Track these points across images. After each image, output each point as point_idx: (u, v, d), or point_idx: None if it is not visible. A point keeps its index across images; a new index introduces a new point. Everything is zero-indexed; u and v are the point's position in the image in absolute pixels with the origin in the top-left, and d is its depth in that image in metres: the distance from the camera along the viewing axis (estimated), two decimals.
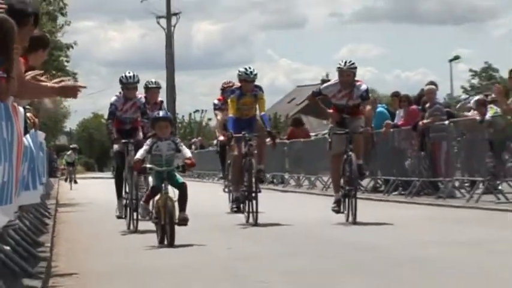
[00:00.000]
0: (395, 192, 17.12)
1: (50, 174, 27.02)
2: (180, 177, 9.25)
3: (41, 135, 13.13)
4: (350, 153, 10.78)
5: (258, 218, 11.30)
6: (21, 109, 6.18)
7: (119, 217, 11.10)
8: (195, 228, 9.92)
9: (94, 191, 26.25)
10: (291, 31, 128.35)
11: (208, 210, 14.03)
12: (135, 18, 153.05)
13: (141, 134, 11.32)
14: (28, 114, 8.72)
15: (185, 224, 8.92)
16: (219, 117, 13.10)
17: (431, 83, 17.89)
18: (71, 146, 40.15)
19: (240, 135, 11.33)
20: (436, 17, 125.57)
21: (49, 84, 6.34)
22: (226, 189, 14.55)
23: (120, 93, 11.21)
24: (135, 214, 10.79)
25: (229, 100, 11.61)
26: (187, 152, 9.41)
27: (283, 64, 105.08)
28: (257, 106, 11.65)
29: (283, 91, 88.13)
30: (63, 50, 25.60)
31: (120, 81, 11.10)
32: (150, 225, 9.71)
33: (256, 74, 11.36)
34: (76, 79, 23.22)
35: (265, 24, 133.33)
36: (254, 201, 11.36)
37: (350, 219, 10.87)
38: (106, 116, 11.85)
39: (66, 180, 34.65)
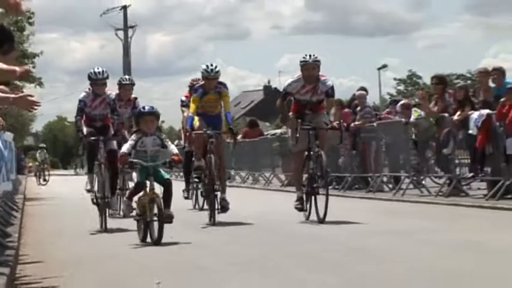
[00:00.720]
0: (330, 187, 18.06)
1: (18, 171, 27.96)
2: (165, 173, 8.81)
3: (9, 136, 14.07)
4: (317, 149, 10.13)
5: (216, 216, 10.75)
6: None
7: (88, 191, 10.67)
8: None
9: (59, 187, 27.60)
10: (236, 42, 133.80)
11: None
12: (96, 31, 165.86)
13: (112, 131, 10.80)
14: None
15: (170, 222, 8.40)
16: (185, 113, 12.37)
17: (362, 88, 19.06)
18: (39, 146, 40.95)
19: (201, 131, 10.84)
20: (366, 30, 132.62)
21: (9, 95, 6.41)
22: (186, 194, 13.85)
23: (89, 89, 10.47)
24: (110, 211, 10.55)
25: (191, 98, 11.19)
26: (174, 148, 8.92)
27: (230, 72, 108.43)
28: (222, 103, 11.15)
29: (230, 96, 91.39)
30: (30, 58, 26.83)
31: (89, 77, 10.35)
32: (118, 223, 10.02)
33: (218, 72, 10.83)
34: (42, 84, 25.20)
35: (213, 36, 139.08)
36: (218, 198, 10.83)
37: (316, 217, 10.20)
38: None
39: (35, 175, 35.56)
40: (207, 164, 10.84)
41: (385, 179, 17.30)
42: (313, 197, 10.32)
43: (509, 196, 11.93)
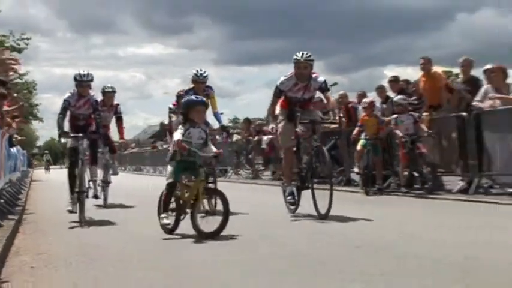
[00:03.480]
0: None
1: (28, 166, 42.75)
2: (202, 170, 7.85)
3: (20, 148, 21.19)
4: (316, 144, 9.42)
5: None
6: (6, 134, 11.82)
7: (70, 211, 10.10)
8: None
9: (54, 174, 39.86)
10: None
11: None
12: None
13: (93, 128, 10.99)
14: (14, 135, 14.72)
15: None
16: (173, 118, 12.11)
17: None
18: (45, 152, 67.32)
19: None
20: None
21: None
22: None
23: (73, 90, 10.65)
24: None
25: (182, 101, 10.55)
26: (213, 148, 8.12)
27: None
28: (209, 104, 10.61)
29: None
30: None
31: (75, 79, 10.55)
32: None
33: (206, 76, 11.16)
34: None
35: None
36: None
37: (318, 211, 9.00)
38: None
39: (45, 168, 52.44)
40: None
41: None
42: (303, 192, 9.57)
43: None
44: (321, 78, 9.68)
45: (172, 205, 7.95)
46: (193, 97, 8.47)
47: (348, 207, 9.90)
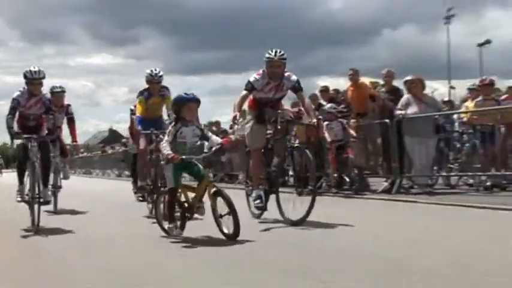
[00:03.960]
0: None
1: None
2: (203, 169, 6.94)
3: None
4: (290, 144, 8.58)
5: None
6: None
7: (19, 201, 9.13)
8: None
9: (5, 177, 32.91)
10: None
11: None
12: None
13: (45, 131, 9.44)
14: None
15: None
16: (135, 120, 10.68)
17: None
18: None
19: (149, 131, 9.95)
20: None
21: None
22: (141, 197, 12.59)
23: (24, 88, 9.09)
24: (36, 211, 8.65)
25: (137, 101, 10.37)
26: (217, 138, 7.25)
27: None
28: (165, 106, 10.22)
29: None
30: None
31: (25, 76, 8.99)
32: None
33: (161, 76, 10.24)
34: None
35: None
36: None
37: (285, 216, 8.08)
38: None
39: None
40: (153, 162, 10.02)
41: None
42: (273, 196, 8.55)
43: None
44: (294, 77, 8.57)
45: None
46: (183, 94, 7.17)
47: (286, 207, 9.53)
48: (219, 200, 6.73)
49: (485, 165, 11.64)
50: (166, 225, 7.16)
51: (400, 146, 11.86)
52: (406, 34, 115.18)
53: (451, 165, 13.03)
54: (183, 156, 6.76)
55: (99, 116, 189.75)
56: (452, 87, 50.41)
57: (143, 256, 6.11)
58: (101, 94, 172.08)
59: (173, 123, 7.12)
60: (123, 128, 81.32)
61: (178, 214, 7.06)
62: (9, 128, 8.88)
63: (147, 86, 10.28)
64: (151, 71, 10.22)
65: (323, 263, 5.19)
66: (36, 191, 8.68)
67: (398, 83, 13.38)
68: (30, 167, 8.79)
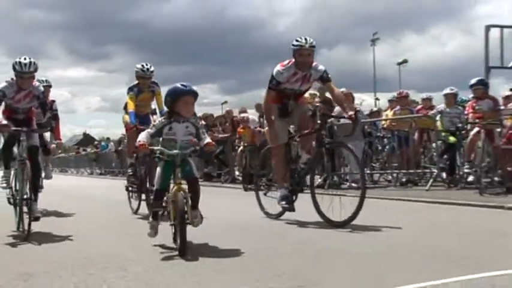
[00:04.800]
0: None
1: None
2: (194, 169, 5.33)
3: None
4: (329, 140, 7.35)
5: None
6: None
7: (5, 188, 7.03)
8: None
9: None
10: None
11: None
12: None
13: (35, 123, 7.41)
14: None
15: (195, 225, 5.15)
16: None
17: None
18: None
19: (143, 127, 7.39)
20: None
21: None
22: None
23: (12, 79, 6.92)
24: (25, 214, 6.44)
25: (128, 97, 8.53)
26: (208, 140, 5.42)
27: None
28: (154, 102, 8.76)
29: None
30: None
31: (14, 68, 6.78)
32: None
33: (152, 71, 8.51)
34: None
35: None
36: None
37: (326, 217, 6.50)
38: None
39: None
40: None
41: None
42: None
43: None
44: (321, 67, 6.91)
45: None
46: (179, 85, 5.34)
47: (234, 199, 9.70)
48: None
49: (401, 164, 12.05)
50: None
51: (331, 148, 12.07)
52: (339, 53, 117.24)
53: (374, 164, 13.39)
54: (155, 147, 5.21)
55: (75, 122, 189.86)
56: (377, 99, 51.22)
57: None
58: (77, 102, 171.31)
59: (164, 116, 5.42)
60: (95, 133, 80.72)
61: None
62: None
63: (136, 81, 8.57)
64: (143, 66, 8.53)
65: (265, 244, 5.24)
66: (27, 193, 6.37)
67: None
68: (19, 165, 6.52)
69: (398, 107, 12.63)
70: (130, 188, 8.95)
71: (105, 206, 10.40)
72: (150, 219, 5.34)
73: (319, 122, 6.86)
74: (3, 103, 6.92)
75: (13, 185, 6.86)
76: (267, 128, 7.60)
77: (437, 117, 11.24)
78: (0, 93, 6.78)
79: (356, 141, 11.73)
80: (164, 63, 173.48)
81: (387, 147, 12.75)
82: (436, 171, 10.85)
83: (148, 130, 5.31)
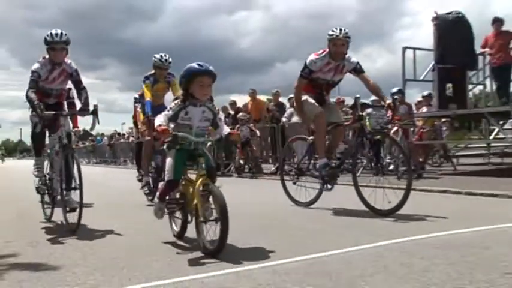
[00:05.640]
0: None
1: None
2: (211, 159, 3.99)
3: None
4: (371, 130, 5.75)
5: None
6: None
7: (36, 176, 5.75)
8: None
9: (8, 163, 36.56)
10: None
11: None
12: None
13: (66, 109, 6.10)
14: None
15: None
16: (138, 108, 7.84)
17: None
18: (1, 148, 57.40)
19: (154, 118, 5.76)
20: None
21: None
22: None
23: (44, 58, 5.52)
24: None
25: (144, 86, 7.21)
26: (227, 128, 4.18)
27: None
28: (169, 93, 7.32)
29: None
30: None
31: (45, 41, 5.45)
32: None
33: (170, 62, 7.14)
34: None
35: None
36: None
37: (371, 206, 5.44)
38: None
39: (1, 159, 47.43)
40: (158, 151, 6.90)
41: None
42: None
43: None
44: (354, 59, 5.93)
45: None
46: (194, 64, 4.00)
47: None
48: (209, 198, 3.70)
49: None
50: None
51: (283, 142, 12.34)
52: (292, 66, 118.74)
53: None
54: (179, 133, 3.86)
55: None
56: None
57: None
58: (77, 104, 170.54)
59: (179, 99, 4.08)
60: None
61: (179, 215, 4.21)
62: (33, 101, 5.20)
63: (153, 71, 7.23)
64: (161, 56, 7.15)
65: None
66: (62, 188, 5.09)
67: (283, 100, 14.00)
68: (57, 154, 5.20)
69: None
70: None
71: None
72: (157, 200, 4.15)
73: (359, 113, 5.76)
74: (37, 89, 5.41)
75: (46, 173, 5.58)
76: (295, 118, 6.44)
77: (367, 118, 11.55)
78: (35, 75, 5.42)
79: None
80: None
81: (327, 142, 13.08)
82: (364, 161, 11.21)
83: (166, 113, 3.98)
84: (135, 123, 8.02)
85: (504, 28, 10.70)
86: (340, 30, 5.84)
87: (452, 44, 10.78)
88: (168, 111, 4.00)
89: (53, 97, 5.78)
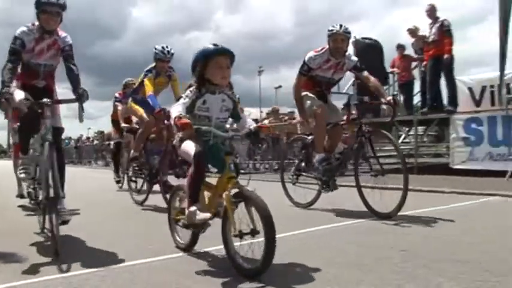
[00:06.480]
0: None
1: None
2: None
3: None
4: (368, 129, 4.74)
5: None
6: None
7: (23, 179, 3.77)
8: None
9: None
10: None
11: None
12: None
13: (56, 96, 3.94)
14: None
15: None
16: (119, 107, 6.92)
17: None
18: None
19: (162, 108, 5.29)
20: None
21: None
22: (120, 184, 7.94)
23: (32, 24, 3.53)
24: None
25: (146, 79, 5.51)
26: (251, 121, 2.87)
27: None
28: (170, 89, 5.77)
29: None
30: None
31: (37, 3, 3.48)
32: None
33: (172, 54, 5.55)
34: None
35: None
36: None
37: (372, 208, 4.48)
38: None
39: None
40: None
41: None
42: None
43: None
44: (354, 58, 4.93)
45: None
46: (210, 45, 2.75)
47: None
48: (242, 208, 2.53)
49: (274, 157, 12.19)
50: (178, 230, 3.10)
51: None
52: (236, 79, 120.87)
53: (256, 157, 13.45)
54: (203, 127, 2.71)
55: None
56: (261, 111, 52.86)
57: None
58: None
59: (192, 87, 2.83)
60: None
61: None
62: (3, 81, 3.35)
63: (153, 64, 5.62)
64: (163, 47, 5.55)
65: None
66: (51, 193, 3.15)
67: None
68: (43, 149, 3.25)
69: (272, 118, 12.93)
70: (133, 178, 6.01)
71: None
72: (193, 208, 2.66)
73: (354, 112, 4.74)
74: (19, 63, 3.61)
75: (36, 176, 3.62)
76: (298, 119, 5.10)
77: (298, 125, 11.45)
78: (18, 42, 3.51)
79: (244, 140, 11.89)
80: (111, 84, 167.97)
81: (264, 145, 12.85)
82: (297, 161, 10.98)
83: (183, 101, 2.78)
84: (113, 121, 6.73)
85: (406, 52, 10.96)
86: (340, 25, 4.78)
87: (368, 63, 10.75)
88: (184, 99, 2.78)
89: (41, 77, 3.79)
